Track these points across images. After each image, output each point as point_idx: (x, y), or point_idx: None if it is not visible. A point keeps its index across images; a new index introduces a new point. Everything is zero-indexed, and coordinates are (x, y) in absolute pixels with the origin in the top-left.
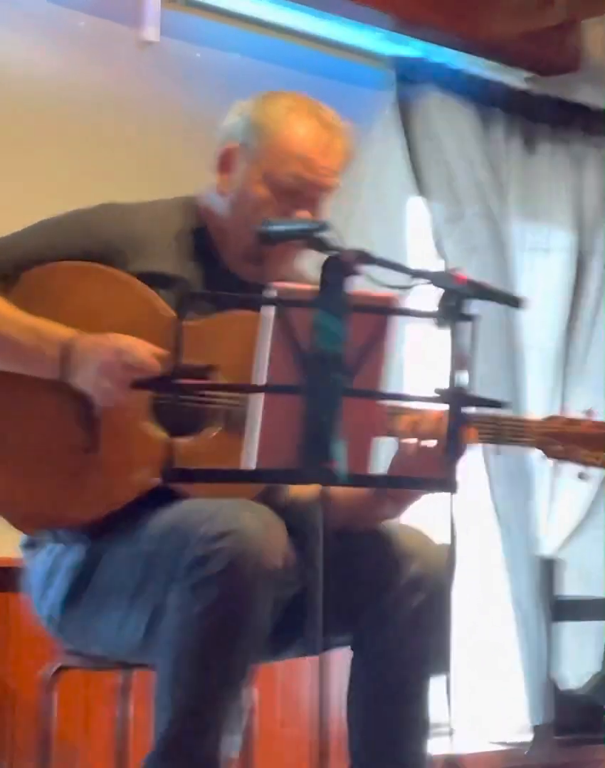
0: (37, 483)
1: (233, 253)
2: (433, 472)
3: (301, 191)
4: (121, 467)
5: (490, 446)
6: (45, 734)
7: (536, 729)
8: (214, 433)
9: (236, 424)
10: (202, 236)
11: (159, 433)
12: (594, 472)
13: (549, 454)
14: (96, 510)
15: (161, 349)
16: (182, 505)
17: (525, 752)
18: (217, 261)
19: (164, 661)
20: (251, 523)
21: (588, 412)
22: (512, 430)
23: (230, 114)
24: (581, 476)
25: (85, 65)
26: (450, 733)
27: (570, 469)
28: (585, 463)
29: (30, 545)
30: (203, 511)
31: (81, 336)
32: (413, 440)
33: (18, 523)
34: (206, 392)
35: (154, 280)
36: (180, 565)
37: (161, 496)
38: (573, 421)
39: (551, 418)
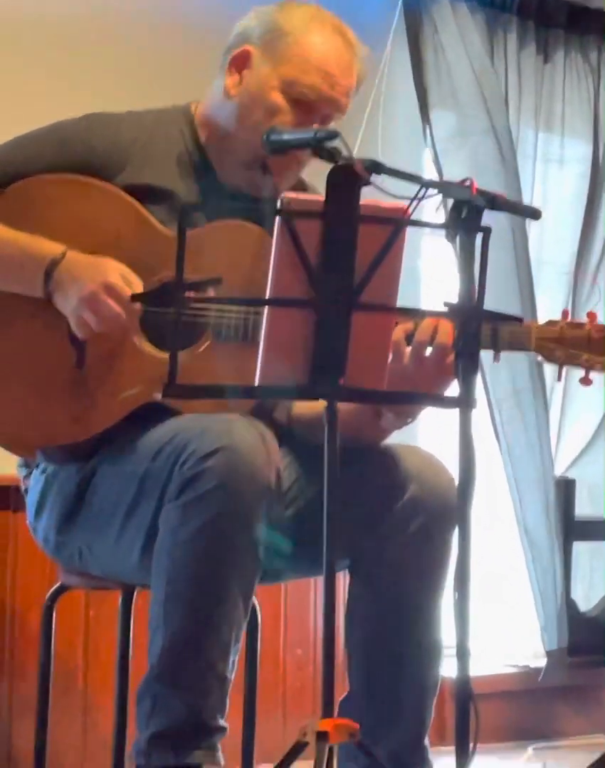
0: (26, 401)
1: (231, 163)
2: (432, 381)
3: (316, 105)
4: (112, 384)
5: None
6: (46, 655)
7: (550, 654)
8: (203, 346)
9: (226, 336)
10: (195, 146)
11: (150, 349)
12: (596, 377)
13: (550, 359)
14: (88, 428)
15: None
16: (172, 422)
17: (539, 677)
18: (210, 172)
19: (158, 583)
20: (243, 439)
21: (590, 316)
22: (511, 334)
23: (248, 18)
24: (583, 381)
25: None
26: (462, 655)
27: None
28: (587, 368)
29: (25, 465)
30: (193, 428)
31: (69, 256)
32: (409, 349)
33: (10, 445)
34: (195, 307)
35: (143, 192)
36: (171, 484)
37: (151, 414)
38: (573, 325)
39: (551, 322)
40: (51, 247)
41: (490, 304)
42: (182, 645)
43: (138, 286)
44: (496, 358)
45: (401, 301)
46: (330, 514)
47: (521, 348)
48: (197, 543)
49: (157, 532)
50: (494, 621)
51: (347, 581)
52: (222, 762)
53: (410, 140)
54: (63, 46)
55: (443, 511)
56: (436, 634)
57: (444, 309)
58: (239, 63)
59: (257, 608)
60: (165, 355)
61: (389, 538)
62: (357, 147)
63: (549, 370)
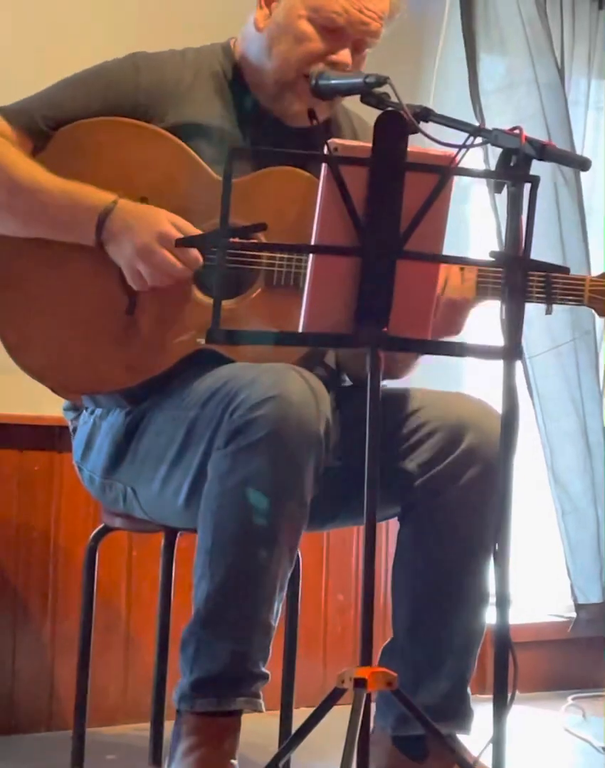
0: (77, 347)
1: (269, 94)
2: (453, 325)
3: (345, 30)
4: (163, 330)
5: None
6: (88, 594)
7: (581, 607)
8: (255, 294)
9: (276, 284)
10: (238, 81)
11: (200, 295)
12: None
13: (601, 312)
14: (138, 374)
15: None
16: (224, 369)
17: (569, 628)
18: (255, 106)
19: (204, 530)
20: (294, 389)
21: None
22: (563, 286)
23: None
24: None
25: None
26: (502, 604)
27: None
28: None
29: (72, 408)
30: (244, 376)
31: (120, 205)
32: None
33: (59, 389)
34: (246, 253)
35: (191, 130)
36: (221, 431)
37: (202, 360)
38: None
39: (604, 275)
40: (102, 196)
41: (539, 254)
42: (228, 593)
43: (190, 232)
44: (549, 310)
45: (449, 249)
46: (372, 460)
47: (574, 302)
48: (246, 490)
49: (203, 478)
50: (533, 571)
51: (393, 529)
52: (263, 708)
53: (466, 90)
54: None
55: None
56: (485, 581)
57: (490, 259)
58: None
59: (298, 554)
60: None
61: (444, 486)
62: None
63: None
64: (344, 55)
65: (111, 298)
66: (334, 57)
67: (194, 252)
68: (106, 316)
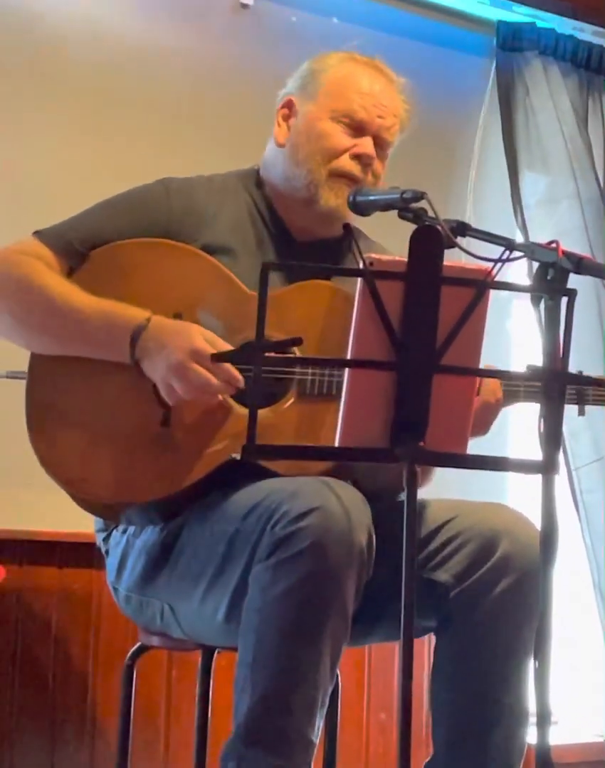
0: (111, 459)
1: (296, 209)
2: (483, 425)
3: (366, 123)
4: (197, 440)
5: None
6: (125, 715)
7: None
8: (288, 403)
9: (309, 393)
10: (264, 204)
11: (234, 404)
12: None
13: None
14: (172, 484)
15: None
16: (264, 484)
17: None
18: (281, 227)
19: (245, 643)
20: (336, 501)
21: None
22: (596, 389)
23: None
24: None
25: (180, 30)
26: (543, 722)
27: None
28: None
29: (103, 528)
30: (285, 489)
31: (154, 321)
32: None
33: (91, 501)
34: (276, 369)
35: (220, 252)
36: (263, 544)
37: (238, 472)
38: None
39: None
40: (136, 313)
41: (583, 366)
42: (269, 707)
43: (222, 348)
44: (581, 411)
45: (490, 363)
46: (409, 574)
47: None
48: (288, 603)
49: (243, 593)
50: (577, 690)
51: (428, 645)
52: None
53: (504, 203)
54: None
55: (535, 570)
56: (524, 697)
57: (528, 372)
58: (285, 113)
59: (338, 672)
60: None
61: (479, 597)
62: (468, 208)
63: None
64: (367, 145)
65: (145, 411)
66: (358, 148)
67: (232, 369)
68: (140, 429)
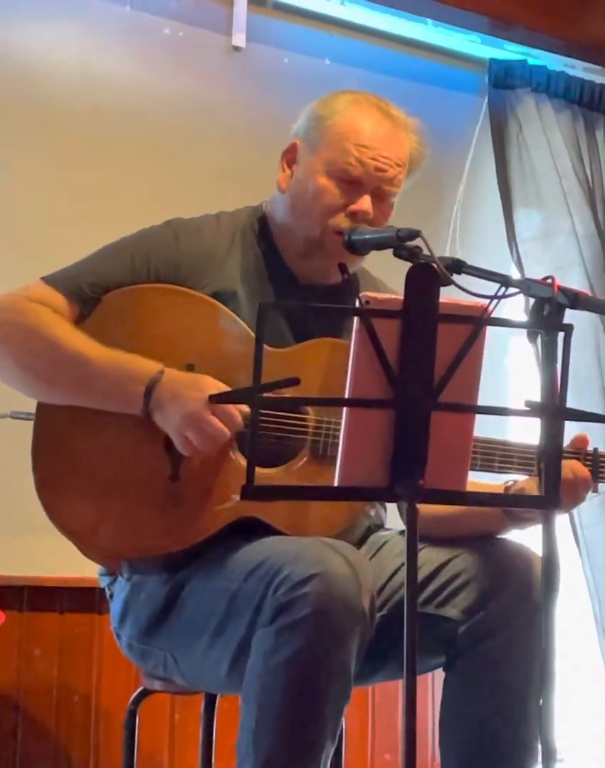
0: (118, 511)
1: (298, 253)
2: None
3: (361, 180)
4: (206, 497)
5: None
6: (129, 759)
7: None
8: (300, 463)
9: (322, 454)
10: (270, 246)
11: (243, 462)
12: None
13: None
14: (180, 540)
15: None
16: (266, 542)
17: None
18: (286, 270)
19: (248, 709)
20: (337, 565)
21: None
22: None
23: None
24: None
25: (172, 73)
26: (550, 760)
27: None
28: None
29: (107, 572)
30: (287, 551)
31: (167, 374)
32: None
33: (96, 553)
34: (292, 423)
35: (228, 298)
36: (265, 608)
37: (244, 528)
38: None
39: None
40: (148, 366)
41: (582, 402)
42: None
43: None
44: (594, 488)
45: (489, 400)
46: (411, 614)
47: None
48: (290, 670)
49: (245, 651)
50: (582, 725)
51: (439, 681)
52: None
53: (497, 239)
54: (162, 143)
55: (532, 610)
56: (534, 734)
57: (526, 408)
58: (289, 158)
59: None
60: (261, 470)
61: (489, 632)
62: (447, 246)
63: None
64: (363, 203)
65: (154, 465)
66: (353, 206)
67: (236, 414)
68: (148, 483)
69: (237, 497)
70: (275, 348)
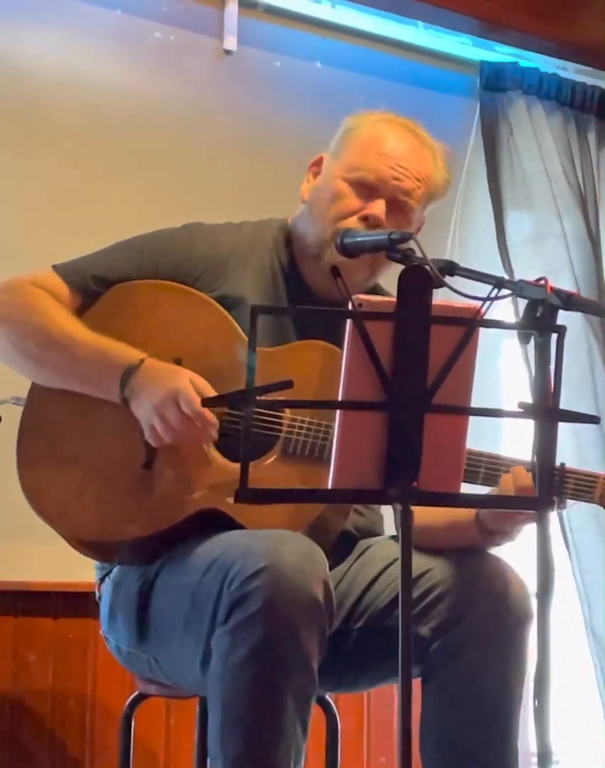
0: (91, 495)
1: (312, 265)
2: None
3: (377, 187)
4: (175, 487)
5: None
6: (125, 761)
7: None
8: (269, 460)
9: (291, 452)
10: (288, 259)
11: (217, 456)
12: None
13: None
14: (146, 526)
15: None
16: (223, 536)
17: None
18: (301, 284)
19: (214, 709)
20: (286, 556)
21: None
22: (574, 483)
23: None
24: None
25: (162, 76)
26: (546, 763)
27: None
28: None
29: (101, 567)
30: (239, 545)
31: (147, 363)
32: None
33: (69, 535)
34: (267, 419)
35: (235, 303)
36: (221, 604)
37: (212, 523)
38: None
39: None
40: (130, 354)
41: (573, 403)
42: None
43: (209, 393)
44: (561, 504)
45: (481, 402)
46: (405, 621)
47: (585, 499)
48: (249, 667)
49: (210, 650)
50: (571, 729)
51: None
52: None
53: (491, 242)
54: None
55: (519, 620)
56: (514, 745)
57: (520, 410)
58: (315, 169)
59: (337, 717)
60: (231, 464)
61: (458, 651)
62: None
63: None
64: (375, 207)
65: (130, 452)
66: (366, 210)
67: (209, 415)
68: (123, 469)
69: (231, 500)
70: (268, 347)
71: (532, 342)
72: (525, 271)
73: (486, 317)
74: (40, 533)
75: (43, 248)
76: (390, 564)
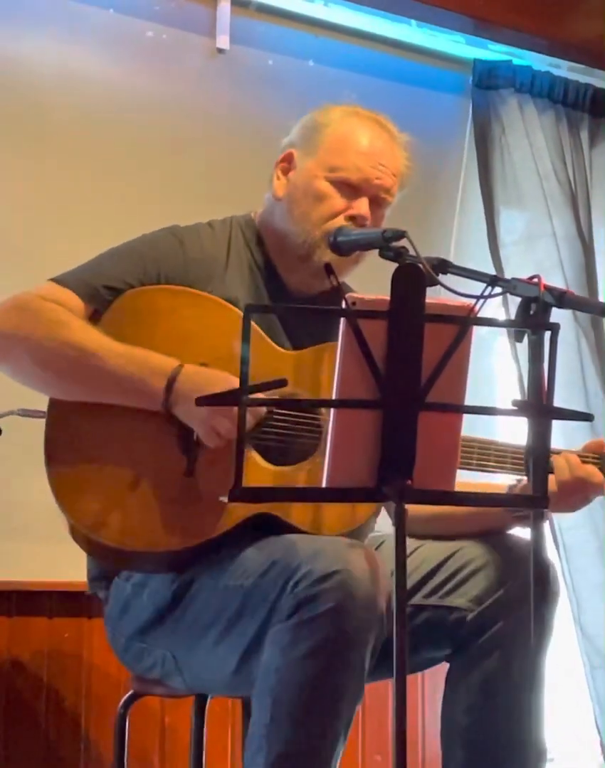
0: (134, 506)
1: (292, 264)
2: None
3: (361, 186)
4: (219, 493)
5: None
6: (120, 761)
7: None
8: (309, 466)
9: None
10: (264, 258)
11: (260, 460)
12: None
13: None
14: (193, 536)
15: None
16: (284, 539)
17: None
18: (279, 283)
19: (261, 703)
20: (358, 564)
21: None
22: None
23: (291, 130)
24: None
25: (155, 75)
26: (543, 759)
27: None
28: None
29: (101, 577)
30: (306, 549)
31: (186, 368)
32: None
33: (112, 546)
34: (306, 423)
35: (233, 304)
36: (282, 603)
37: (257, 527)
38: None
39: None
40: (166, 361)
41: (564, 401)
42: (287, 767)
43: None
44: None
45: (475, 400)
46: (399, 616)
47: None
48: (309, 664)
49: (257, 648)
50: (559, 726)
51: (428, 681)
52: None
53: (486, 241)
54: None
55: (555, 593)
56: (540, 731)
57: (514, 408)
58: (284, 166)
59: None
60: (275, 468)
61: (497, 620)
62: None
63: None
64: (361, 207)
65: (169, 460)
66: (352, 210)
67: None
68: (163, 478)
69: (225, 499)
70: (288, 350)
71: (525, 340)
72: (517, 270)
73: (479, 315)
74: (35, 533)
75: (37, 247)
76: (412, 551)
